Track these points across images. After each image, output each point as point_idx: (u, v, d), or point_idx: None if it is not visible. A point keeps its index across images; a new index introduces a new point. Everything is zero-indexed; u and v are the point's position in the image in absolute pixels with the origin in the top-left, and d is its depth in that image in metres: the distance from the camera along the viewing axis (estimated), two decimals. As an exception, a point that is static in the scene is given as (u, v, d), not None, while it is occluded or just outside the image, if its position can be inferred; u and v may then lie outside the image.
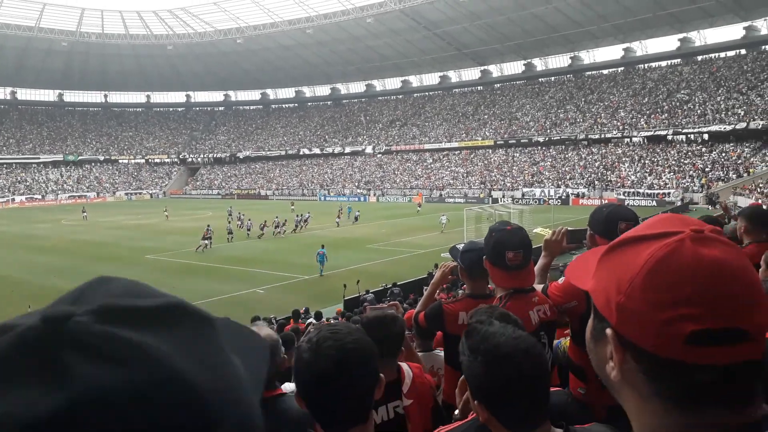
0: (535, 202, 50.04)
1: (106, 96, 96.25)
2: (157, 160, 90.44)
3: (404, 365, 2.43)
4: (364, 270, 23.31)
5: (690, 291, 0.66)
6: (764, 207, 5.06)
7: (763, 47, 57.19)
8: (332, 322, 1.60)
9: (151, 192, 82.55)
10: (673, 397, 0.69)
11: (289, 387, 3.24)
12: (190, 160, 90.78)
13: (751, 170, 44.65)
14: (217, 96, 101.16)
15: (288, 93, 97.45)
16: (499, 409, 1.33)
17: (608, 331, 0.74)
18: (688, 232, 0.70)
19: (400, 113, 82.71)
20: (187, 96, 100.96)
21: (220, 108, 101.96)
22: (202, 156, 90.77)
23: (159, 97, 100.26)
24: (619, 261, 0.74)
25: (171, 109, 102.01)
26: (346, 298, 17.42)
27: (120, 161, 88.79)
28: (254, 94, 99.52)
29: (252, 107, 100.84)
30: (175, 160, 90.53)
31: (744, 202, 36.37)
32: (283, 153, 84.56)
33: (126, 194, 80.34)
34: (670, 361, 0.67)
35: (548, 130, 63.37)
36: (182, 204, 64.63)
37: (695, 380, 0.66)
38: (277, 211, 43.08)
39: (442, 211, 39.29)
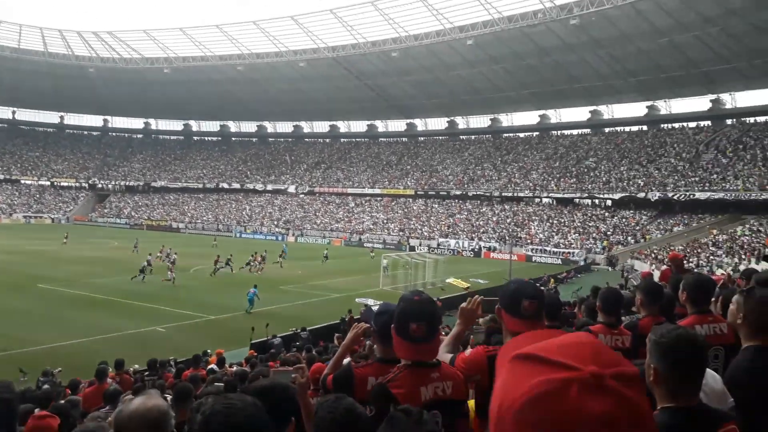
0: (450, 252, 51.28)
1: (14, 112, 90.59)
2: (64, 184, 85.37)
3: None
4: (275, 312, 22.79)
5: None
6: (656, 280, 5.42)
7: (662, 125, 62.71)
8: (227, 394, 1.39)
9: (53, 216, 77.46)
10: None
11: None
12: (100, 186, 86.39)
13: (647, 236, 48.13)
14: (136, 123, 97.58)
15: (212, 126, 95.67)
16: None
17: None
18: (583, 374, 0.65)
19: (326, 156, 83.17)
20: (105, 120, 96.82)
21: (139, 135, 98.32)
22: (113, 183, 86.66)
23: (74, 119, 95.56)
24: (514, 376, 0.71)
25: (86, 132, 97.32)
26: (253, 342, 16.88)
27: (22, 182, 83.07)
28: (177, 125, 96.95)
29: (173, 137, 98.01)
30: (84, 184, 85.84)
31: (640, 265, 39.03)
32: (200, 186, 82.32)
33: (24, 217, 74.92)
34: None
35: (466, 185, 65.74)
36: (86, 231, 61.07)
37: None
38: (194, 245, 41.58)
39: (367, 255, 39.32)
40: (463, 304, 3.07)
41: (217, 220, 72.66)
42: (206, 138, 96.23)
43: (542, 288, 4.25)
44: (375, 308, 3.05)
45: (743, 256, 31.30)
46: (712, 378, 2.38)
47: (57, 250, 41.80)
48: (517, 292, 2.62)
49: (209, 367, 10.97)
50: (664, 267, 9.18)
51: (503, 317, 2.66)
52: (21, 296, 24.33)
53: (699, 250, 37.83)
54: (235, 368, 11.71)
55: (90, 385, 9.71)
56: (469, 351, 2.79)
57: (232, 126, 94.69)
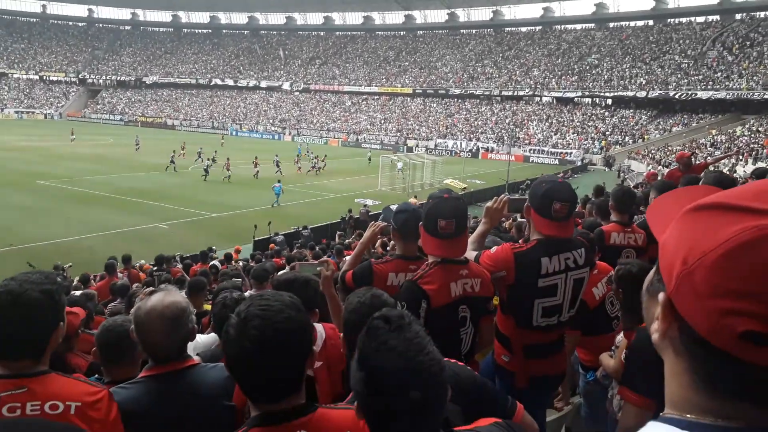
0: (447, 153, 51.17)
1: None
2: (54, 78, 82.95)
3: (318, 326, 2.44)
4: (276, 211, 23.14)
5: (759, 288, 0.59)
6: (668, 182, 5.40)
7: (669, 20, 60.41)
8: (263, 293, 1.36)
9: (45, 112, 76.04)
10: (710, 381, 0.65)
11: (202, 341, 3.24)
12: (90, 80, 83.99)
13: (645, 137, 47.93)
14: (123, 13, 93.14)
15: (202, 18, 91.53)
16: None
17: (661, 296, 0.68)
18: None
19: (321, 51, 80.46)
20: (90, 10, 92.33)
21: (127, 27, 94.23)
22: (104, 78, 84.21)
23: (57, 8, 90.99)
24: (700, 226, 0.65)
25: (71, 23, 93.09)
26: (256, 239, 17.29)
27: (10, 75, 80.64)
28: (165, 16, 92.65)
29: (162, 29, 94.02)
30: (74, 79, 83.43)
31: (637, 166, 39.22)
32: (193, 82, 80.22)
33: (16, 112, 73.53)
34: (718, 350, 0.62)
35: (465, 83, 64.26)
36: (81, 127, 60.26)
37: (739, 375, 0.62)
38: (202, 143, 41.22)
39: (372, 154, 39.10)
40: (489, 203, 3.06)
41: (212, 117, 71.55)
42: (196, 30, 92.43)
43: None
44: (394, 207, 3.09)
45: (740, 157, 31.41)
46: None
47: (53, 146, 41.47)
48: (548, 193, 2.59)
49: (212, 263, 11.26)
50: (672, 167, 9.21)
51: (532, 216, 2.66)
52: (21, 193, 24.46)
53: (697, 151, 37.83)
54: (241, 263, 12.11)
55: (101, 279, 10.09)
56: (494, 248, 2.73)
57: (223, 17, 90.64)
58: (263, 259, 11.75)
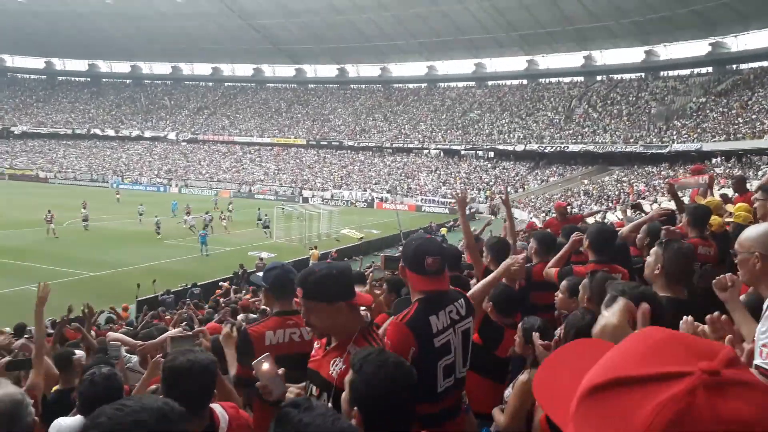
0: (344, 203, 51.48)
1: None
2: None
3: (217, 408, 2.24)
4: (162, 268, 21.77)
5: None
6: (547, 232, 5.69)
7: (540, 80, 66.03)
8: (123, 400, 1.19)
9: None
10: None
11: (66, 424, 2.75)
12: (-54, 129, 76.16)
13: (526, 186, 51.24)
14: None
15: (80, 65, 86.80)
16: None
17: None
18: (699, 376, 0.54)
19: (210, 101, 79.01)
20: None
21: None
22: (-37, 126, 76.72)
23: None
24: (612, 414, 0.56)
25: None
26: (139, 299, 16.07)
27: None
28: (37, 62, 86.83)
29: (33, 76, 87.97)
30: (-74, 128, 75.21)
31: (519, 214, 41.59)
32: (70, 132, 75.24)
33: None
34: None
35: (358, 136, 65.71)
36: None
37: None
38: (69, 197, 38.27)
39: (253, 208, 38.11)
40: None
41: (91, 169, 67.14)
42: (73, 78, 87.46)
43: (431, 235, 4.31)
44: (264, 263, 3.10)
45: (610, 204, 34.34)
46: None
47: None
48: (419, 249, 2.60)
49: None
50: (551, 216, 9.76)
51: (408, 275, 2.64)
52: None
53: (572, 199, 40.92)
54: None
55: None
56: (385, 334, 2.56)
57: (103, 66, 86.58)
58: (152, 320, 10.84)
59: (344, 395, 1.70)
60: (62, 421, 2.72)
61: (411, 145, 62.17)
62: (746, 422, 0.53)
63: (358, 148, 64.31)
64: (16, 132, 75.54)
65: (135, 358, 5.09)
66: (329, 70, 78.14)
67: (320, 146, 66.26)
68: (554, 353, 0.76)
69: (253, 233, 31.38)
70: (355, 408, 1.60)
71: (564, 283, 3.56)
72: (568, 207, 8.47)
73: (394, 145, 62.91)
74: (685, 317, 2.03)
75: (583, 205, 38.42)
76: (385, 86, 74.82)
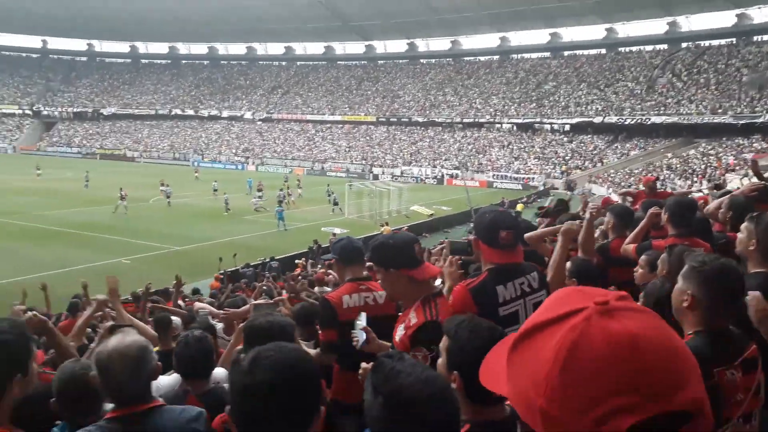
0: (413, 180, 51.49)
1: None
2: (6, 111, 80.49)
3: None
4: (241, 243, 22.66)
5: (614, 378, 0.57)
6: (628, 205, 5.49)
7: (620, 49, 62.83)
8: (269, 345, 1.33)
9: (-4, 145, 73.65)
10: None
11: (164, 383, 2.97)
12: (45, 113, 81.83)
13: (604, 161, 49.26)
14: (79, 44, 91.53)
15: (161, 48, 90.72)
16: None
17: None
18: (591, 307, 0.63)
19: (283, 80, 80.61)
20: (43, 41, 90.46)
21: (83, 58, 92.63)
22: (60, 110, 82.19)
23: (8, 40, 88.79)
24: (528, 357, 0.66)
25: (24, 54, 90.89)
26: (222, 272, 16.80)
27: (-41, 108, 78.00)
28: (122, 47, 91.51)
29: (119, 60, 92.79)
30: (28, 111, 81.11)
31: (597, 189, 40.14)
32: (153, 112, 79.07)
33: (-36, 146, 71.01)
34: None
35: (427, 111, 65.18)
36: (35, 162, 58.36)
37: None
38: (163, 176, 40.34)
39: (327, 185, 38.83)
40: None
41: (173, 148, 70.46)
42: (155, 61, 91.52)
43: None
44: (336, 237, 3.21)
45: (695, 179, 32.47)
46: None
47: (4, 180, 39.98)
48: (493, 222, 2.62)
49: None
50: (641, 188, 9.38)
51: (481, 248, 2.65)
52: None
53: (655, 174, 38.98)
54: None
55: (65, 319, 9.55)
56: (450, 297, 2.66)
57: (182, 48, 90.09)
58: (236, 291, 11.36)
59: (440, 361, 1.75)
60: (162, 379, 2.94)
61: (482, 120, 60.97)
62: (633, 334, 0.59)
63: (428, 123, 63.82)
64: (105, 113, 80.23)
65: (220, 325, 5.41)
66: (399, 46, 77.71)
67: (390, 123, 66.28)
68: (493, 348, 0.83)
69: (324, 210, 32.04)
70: (455, 372, 1.64)
71: (643, 257, 3.43)
72: (657, 182, 8.06)
73: (464, 120, 61.93)
74: (750, 293, 1.94)
75: (666, 180, 36.55)
76: (456, 60, 73.56)
